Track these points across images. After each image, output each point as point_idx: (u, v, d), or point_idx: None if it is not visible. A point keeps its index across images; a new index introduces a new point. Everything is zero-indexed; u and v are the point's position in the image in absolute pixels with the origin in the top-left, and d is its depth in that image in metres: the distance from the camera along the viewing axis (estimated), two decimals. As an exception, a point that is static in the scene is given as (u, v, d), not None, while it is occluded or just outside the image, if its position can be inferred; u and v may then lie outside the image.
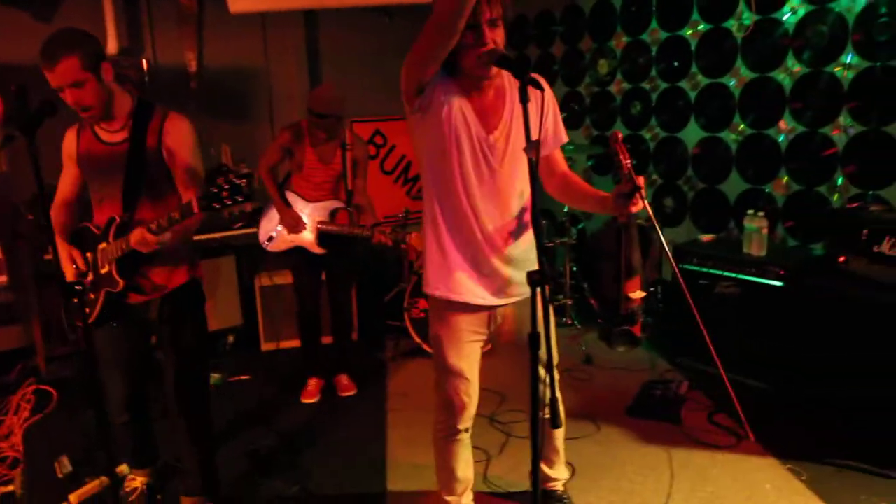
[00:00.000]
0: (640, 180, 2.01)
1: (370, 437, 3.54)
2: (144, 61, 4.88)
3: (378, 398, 4.01)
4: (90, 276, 2.50)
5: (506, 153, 2.10)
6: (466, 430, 2.45)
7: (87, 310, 2.48)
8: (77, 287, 2.31)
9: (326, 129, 3.69)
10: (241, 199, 2.11)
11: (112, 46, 4.70)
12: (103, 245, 2.44)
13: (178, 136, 2.43)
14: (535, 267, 1.78)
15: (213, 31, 5.12)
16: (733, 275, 3.83)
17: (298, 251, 3.85)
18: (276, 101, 5.41)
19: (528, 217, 2.20)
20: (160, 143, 2.41)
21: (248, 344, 4.83)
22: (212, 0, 4.94)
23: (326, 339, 4.17)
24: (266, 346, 4.82)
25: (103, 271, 2.45)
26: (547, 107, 2.12)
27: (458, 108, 2.05)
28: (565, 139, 2.28)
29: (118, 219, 2.42)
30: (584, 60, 5.34)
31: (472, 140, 2.07)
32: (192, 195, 2.33)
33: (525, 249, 2.21)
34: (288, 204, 3.79)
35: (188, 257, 2.60)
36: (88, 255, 2.52)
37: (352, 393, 4.05)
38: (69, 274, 2.46)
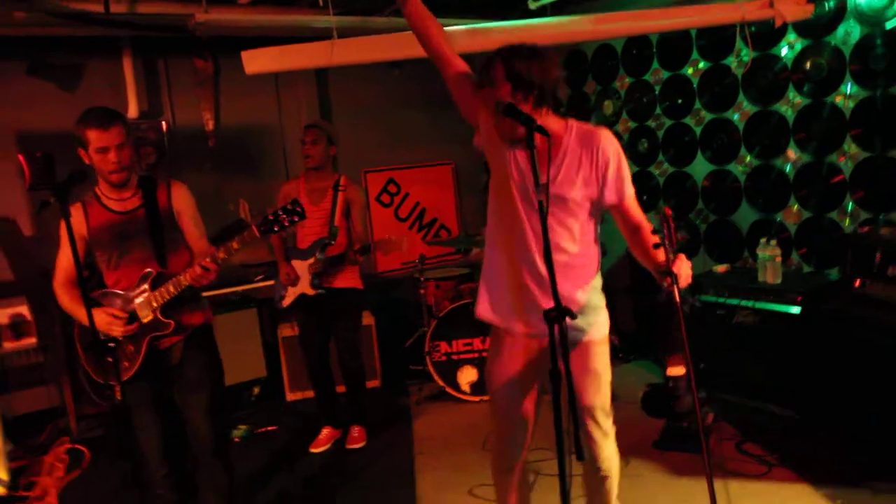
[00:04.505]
0: (678, 262, 2.01)
1: (399, 482, 3.56)
2: (164, 123, 5.06)
3: (405, 443, 4.03)
4: (132, 327, 2.59)
5: (551, 196, 2.15)
6: (516, 459, 2.45)
7: (127, 364, 2.61)
8: (110, 344, 2.52)
9: (315, 158, 3.90)
10: (296, 219, 2.51)
11: (133, 111, 4.90)
12: (140, 298, 2.59)
13: (184, 199, 2.75)
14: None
15: (228, 91, 5.31)
16: (750, 303, 3.87)
17: (301, 301, 3.94)
18: (290, 156, 5.56)
19: (580, 261, 2.24)
20: (170, 205, 2.71)
21: (274, 394, 4.88)
22: (226, 61, 5.15)
23: (342, 388, 4.21)
24: (291, 396, 4.86)
25: (146, 320, 2.60)
26: (606, 159, 2.16)
27: (513, 155, 2.20)
28: (626, 194, 2.21)
29: (154, 272, 2.61)
30: (590, 102, 5.49)
31: (523, 178, 2.18)
32: (203, 244, 2.73)
33: (579, 290, 2.25)
34: (290, 260, 3.95)
35: (203, 301, 2.82)
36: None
37: (360, 445, 4.03)
38: (118, 330, 2.56)
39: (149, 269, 2.61)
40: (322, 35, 4.07)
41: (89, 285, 2.62)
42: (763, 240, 3.96)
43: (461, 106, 2.32)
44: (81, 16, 4.09)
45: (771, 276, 3.89)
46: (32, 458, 4.05)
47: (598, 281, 2.33)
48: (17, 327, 4.46)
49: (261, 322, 4.96)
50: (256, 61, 3.87)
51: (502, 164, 2.23)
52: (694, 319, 4.15)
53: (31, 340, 4.42)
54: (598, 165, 2.15)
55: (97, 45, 4.73)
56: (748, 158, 4.39)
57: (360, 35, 3.91)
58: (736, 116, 4.41)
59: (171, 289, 2.56)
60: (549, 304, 2.13)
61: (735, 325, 3.92)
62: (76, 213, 2.62)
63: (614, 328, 4.90)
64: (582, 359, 2.25)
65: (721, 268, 4.33)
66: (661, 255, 2.04)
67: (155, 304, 2.58)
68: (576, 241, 2.21)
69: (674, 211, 2.08)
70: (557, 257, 2.09)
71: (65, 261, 2.64)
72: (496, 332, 2.39)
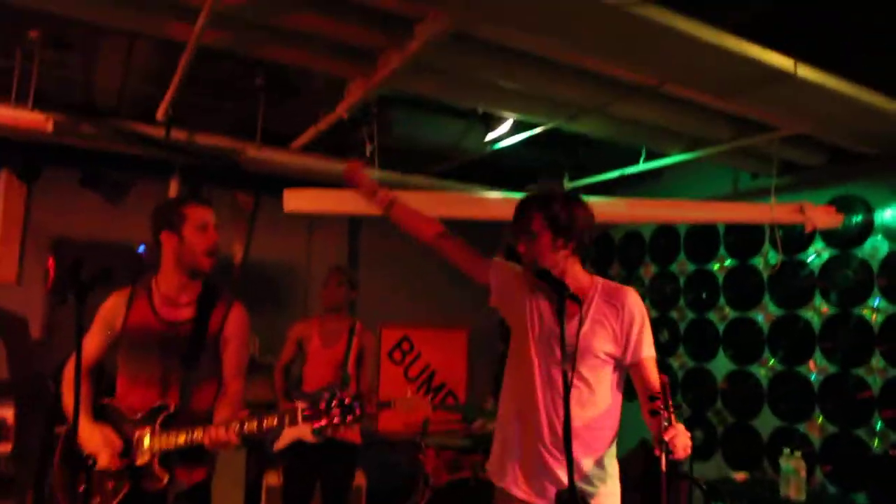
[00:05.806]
0: (672, 430, 1.86)
1: None
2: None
3: None
4: (120, 463, 2.25)
5: (571, 349, 2.07)
6: None
7: (99, 499, 2.24)
8: (89, 462, 2.24)
9: (335, 300, 3.90)
10: (350, 421, 2.14)
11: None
12: (144, 433, 2.25)
13: (238, 327, 2.45)
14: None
15: (263, 227, 5.44)
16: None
17: (295, 447, 3.72)
18: (311, 299, 5.57)
19: (595, 424, 2.11)
20: (221, 330, 2.41)
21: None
22: (267, 199, 5.32)
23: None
24: (262, 552, 4.47)
25: (140, 462, 2.24)
26: (631, 317, 2.13)
27: (537, 306, 2.19)
28: (643, 354, 2.14)
29: (171, 407, 2.28)
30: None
31: (542, 331, 2.15)
32: (238, 385, 2.41)
33: (587, 458, 2.11)
34: (292, 401, 3.78)
35: (212, 454, 2.41)
36: None
37: None
38: (105, 458, 2.23)
39: (165, 403, 2.27)
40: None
41: (99, 388, 2.38)
42: (787, 450, 3.74)
43: (471, 271, 2.42)
44: (143, 138, 4.32)
45: (794, 491, 3.62)
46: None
47: (612, 448, 2.20)
48: (-5, 430, 4.28)
49: (248, 464, 4.70)
50: (296, 200, 4.00)
51: (522, 318, 2.21)
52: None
53: (7, 447, 4.21)
54: (622, 323, 2.12)
55: (149, 167, 4.93)
56: (771, 362, 4.28)
57: (399, 190, 4.06)
58: (761, 317, 4.36)
59: (181, 440, 2.20)
60: (557, 470, 2.03)
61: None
62: (118, 300, 2.38)
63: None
64: None
65: (739, 475, 4.07)
66: (657, 423, 1.91)
67: (156, 449, 2.23)
68: (594, 401, 2.12)
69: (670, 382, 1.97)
70: (590, 411, 2.08)
71: (90, 346, 2.36)
72: (496, 493, 2.23)
